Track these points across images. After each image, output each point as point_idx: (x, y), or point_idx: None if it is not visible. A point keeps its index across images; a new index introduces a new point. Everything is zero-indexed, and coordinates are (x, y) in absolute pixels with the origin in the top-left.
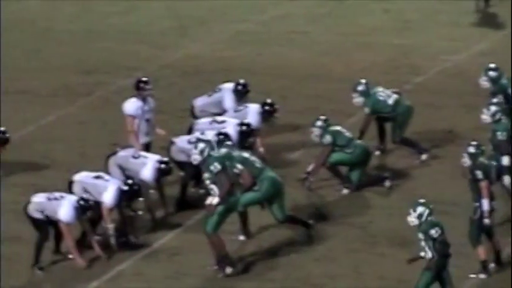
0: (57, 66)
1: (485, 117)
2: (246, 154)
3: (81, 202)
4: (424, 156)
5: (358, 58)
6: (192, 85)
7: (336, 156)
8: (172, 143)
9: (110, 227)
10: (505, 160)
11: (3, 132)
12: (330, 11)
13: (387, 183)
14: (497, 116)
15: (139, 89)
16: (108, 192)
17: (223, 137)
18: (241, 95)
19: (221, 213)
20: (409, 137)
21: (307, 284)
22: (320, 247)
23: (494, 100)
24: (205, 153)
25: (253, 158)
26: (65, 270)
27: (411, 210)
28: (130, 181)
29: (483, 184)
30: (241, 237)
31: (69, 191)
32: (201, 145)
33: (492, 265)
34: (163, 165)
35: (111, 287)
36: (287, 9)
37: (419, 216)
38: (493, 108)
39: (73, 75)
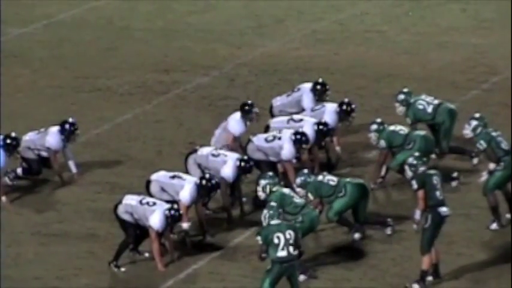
0: (134, 64)
1: (467, 132)
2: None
3: (172, 211)
4: (475, 160)
5: (434, 57)
6: (269, 84)
7: (400, 158)
8: (249, 141)
9: (186, 226)
10: (490, 166)
11: (15, 138)
12: (407, 11)
13: (454, 183)
14: (478, 130)
15: (248, 112)
16: (185, 189)
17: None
18: (320, 94)
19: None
20: (457, 144)
21: (383, 283)
22: (396, 246)
23: (476, 115)
24: (268, 190)
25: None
26: (141, 268)
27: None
28: (207, 175)
29: (418, 194)
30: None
31: (147, 190)
32: (263, 182)
33: (430, 278)
34: (243, 163)
35: (187, 285)
36: (363, 8)
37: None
38: (474, 122)
39: (150, 73)
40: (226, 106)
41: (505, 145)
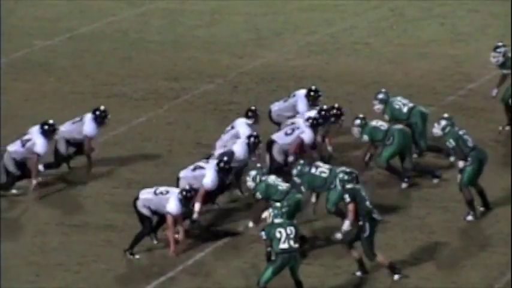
0: (147, 73)
1: (436, 130)
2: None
3: (184, 193)
4: (452, 158)
5: (416, 67)
6: (268, 90)
7: (385, 155)
8: (272, 142)
9: (197, 215)
10: (460, 164)
11: (52, 125)
12: (391, 25)
13: (435, 180)
14: (447, 129)
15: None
16: (207, 176)
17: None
18: (313, 99)
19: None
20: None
21: (369, 269)
22: (382, 236)
23: (445, 115)
24: (257, 180)
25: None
26: (154, 256)
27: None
28: (225, 158)
29: (349, 207)
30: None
31: (177, 186)
32: (253, 172)
33: (396, 277)
34: (252, 139)
35: (194, 270)
36: (352, 22)
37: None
38: (443, 122)
39: (161, 81)
40: (229, 110)
41: (470, 142)
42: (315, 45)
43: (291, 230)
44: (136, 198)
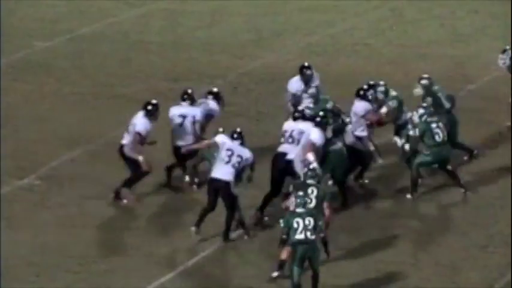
0: (148, 74)
1: (414, 118)
2: None
3: (238, 136)
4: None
5: (416, 67)
6: (268, 91)
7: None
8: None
9: (315, 165)
10: (406, 146)
11: (155, 104)
12: (391, 25)
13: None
14: (423, 118)
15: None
16: (313, 132)
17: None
18: (306, 76)
19: None
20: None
21: (370, 269)
22: (382, 236)
23: (424, 104)
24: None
25: None
26: (154, 256)
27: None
28: (321, 113)
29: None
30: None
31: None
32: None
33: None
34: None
35: (194, 271)
36: (352, 23)
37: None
38: (421, 111)
39: (161, 82)
40: (229, 111)
41: (438, 138)
42: (315, 46)
43: (309, 220)
44: (227, 183)
